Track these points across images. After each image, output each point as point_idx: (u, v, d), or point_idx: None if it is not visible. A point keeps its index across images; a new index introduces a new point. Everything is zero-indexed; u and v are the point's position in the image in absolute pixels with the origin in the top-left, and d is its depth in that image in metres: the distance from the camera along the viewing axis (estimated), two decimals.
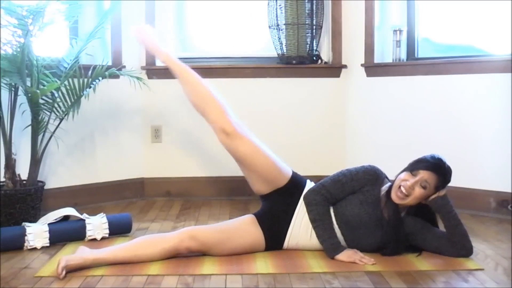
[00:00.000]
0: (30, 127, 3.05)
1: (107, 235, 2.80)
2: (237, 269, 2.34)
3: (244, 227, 2.53)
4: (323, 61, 3.98)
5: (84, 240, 2.76)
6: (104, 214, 2.86)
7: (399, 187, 2.44)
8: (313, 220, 2.49)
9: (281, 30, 3.86)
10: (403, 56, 3.81)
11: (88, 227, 2.77)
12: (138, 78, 3.30)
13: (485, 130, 3.37)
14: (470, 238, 2.49)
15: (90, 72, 3.18)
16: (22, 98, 3.04)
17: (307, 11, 3.83)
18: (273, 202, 2.58)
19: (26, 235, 2.63)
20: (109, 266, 2.34)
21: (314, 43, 3.91)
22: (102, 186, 3.71)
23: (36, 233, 2.65)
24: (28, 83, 2.95)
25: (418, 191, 2.43)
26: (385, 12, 3.88)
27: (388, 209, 2.49)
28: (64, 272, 2.23)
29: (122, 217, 2.92)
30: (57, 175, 3.48)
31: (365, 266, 2.36)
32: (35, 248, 2.63)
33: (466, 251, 2.47)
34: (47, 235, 2.67)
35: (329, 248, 2.45)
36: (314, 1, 3.84)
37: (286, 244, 2.56)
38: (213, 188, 3.90)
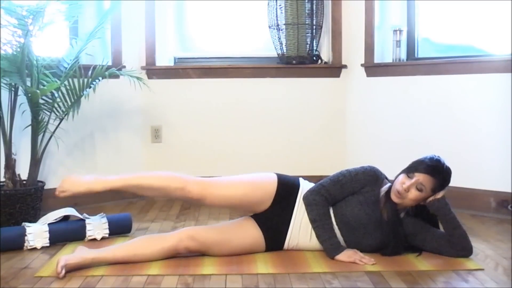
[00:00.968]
0: (30, 127, 3.06)
1: (107, 235, 2.80)
2: (237, 269, 2.34)
3: (244, 228, 2.53)
4: (323, 61, 3.98)
5: (84, 240, 2.76)
6: (104, 214, 2.86)
7: (396, 188, 2.44)
8: (313, 221, 2.49)
9: (281, 30, 3.86)
10: (403, 56, 3.80)
11: (88, 227, 2.77)
12: (138, 78, 3.29)
13: (485, 130, 3.36)
14: (470, 238, 2.49)
15: (90, 72, 3.18)
16: (22, 98, 3.04)
17: (307, 11, 3.83)
18: (271, 205, 2.56)
19: (26, 235, 2.63)
20: (109, 266, 2.35)
21: (314, 43, 3.91)
22: None
23: (36, 233, 2.65)
24: (28, 83, 2.95)
25: (414, 193, 2.42)
26: (385, 12, 3.88)
27: (387, 210, 2.48)
28: (63, 271, 2.23)
29: (122, 217, 2.91)
30: (57, 175, 3.46)
31: (365, 266, 2.36)
32: (35, 248, 2.63)
33: (465, 252, 2.47)
34: (47, 235, 2.67)
35: (329, 248, 2.45)
36: (314, 1, 3.84)
37: (286, 244, 2.56)
38: None
